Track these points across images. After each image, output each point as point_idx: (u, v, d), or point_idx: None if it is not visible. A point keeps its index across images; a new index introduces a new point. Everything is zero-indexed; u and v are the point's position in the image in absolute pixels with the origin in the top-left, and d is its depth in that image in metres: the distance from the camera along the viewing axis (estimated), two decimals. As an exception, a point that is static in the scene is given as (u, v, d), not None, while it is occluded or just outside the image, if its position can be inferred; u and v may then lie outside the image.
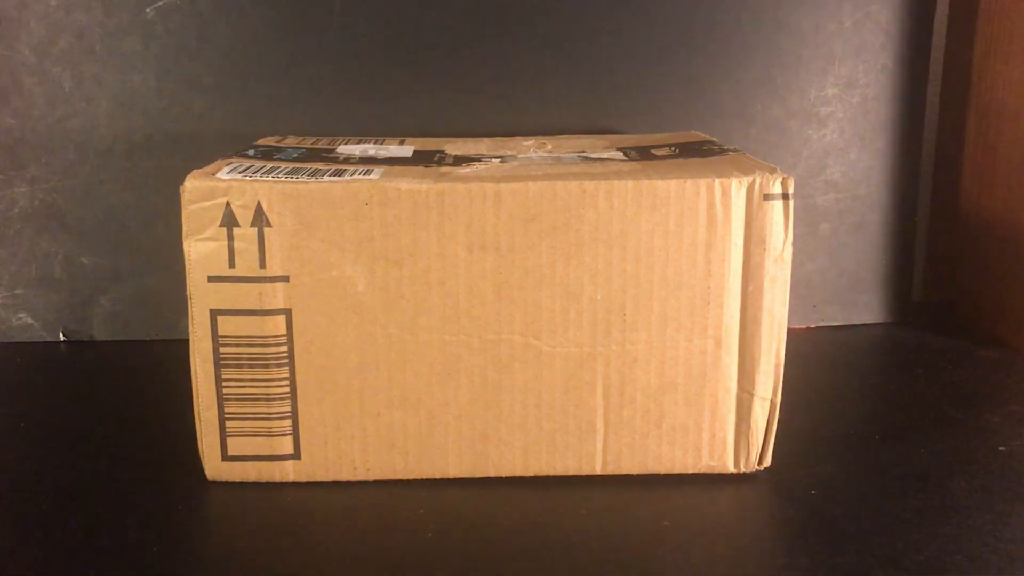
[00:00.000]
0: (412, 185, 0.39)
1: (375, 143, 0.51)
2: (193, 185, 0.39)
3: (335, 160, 0.45)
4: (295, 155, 0.46)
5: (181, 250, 0.40)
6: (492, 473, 0.42)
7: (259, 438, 0.42)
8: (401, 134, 0.57)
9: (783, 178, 0.40)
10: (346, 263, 0.40)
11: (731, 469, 0.43)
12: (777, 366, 0.42)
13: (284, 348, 0.41)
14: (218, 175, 0.40)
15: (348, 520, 0.39)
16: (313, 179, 0.40)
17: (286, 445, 0.42)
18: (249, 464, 0.42)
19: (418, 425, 0.42)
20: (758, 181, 0.40)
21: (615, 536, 0.38)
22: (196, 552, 0.37)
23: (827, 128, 0.63)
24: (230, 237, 0.39)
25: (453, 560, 0.36)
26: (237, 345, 0.40)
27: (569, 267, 0.40)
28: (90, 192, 0.60)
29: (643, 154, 0.47)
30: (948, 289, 0.69)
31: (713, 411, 0.42)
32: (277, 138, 0.52)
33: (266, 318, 0.40)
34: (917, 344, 0.61)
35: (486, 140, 0.53)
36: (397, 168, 0.43)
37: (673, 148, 0.48)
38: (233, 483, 0.42)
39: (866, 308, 0.65)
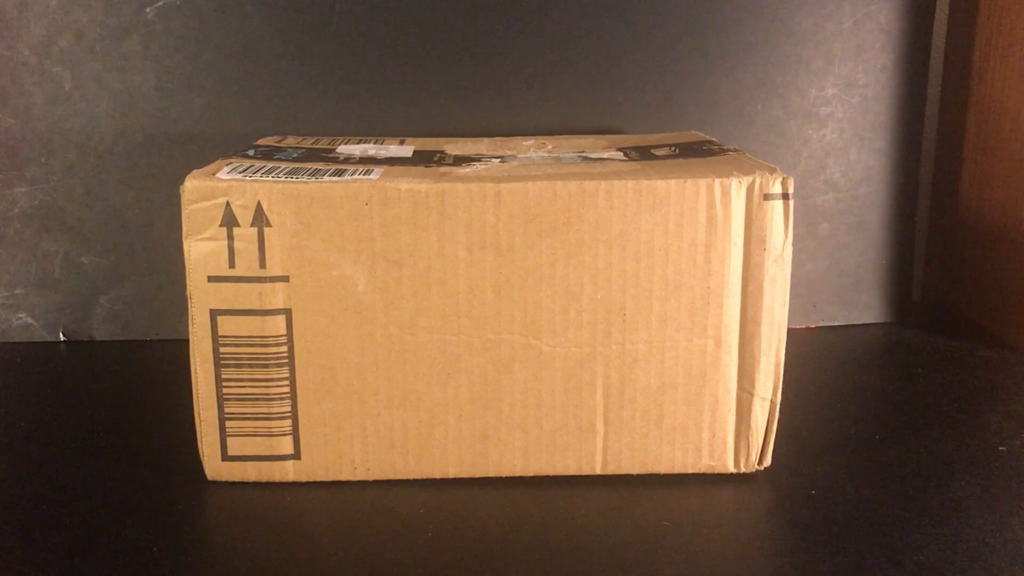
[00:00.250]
0: (412, 185, 0.39)
1: (375, 143, 0.51)
2: (193, 185, 0.39)
3: (335, 160, 0.45)
4: (295, 155, 0.46)
5: (181, 250, 0.40)
6: (492, 473, 0.42)
7: (259, 438, 0.42)
8: (401, 134, 0.57)
9: (783, 178, 0.40)
10: (346, 263, 0.40)
11: (731, 469, 0.43)
12: (777, 366, 0.42)
13: (284, 348, 0.41)
14: (218, 175, 0.40)
15: (348, 520, 0.39)
16: (313, 179, 0.40)
17: (286, 445, 0.42)
18: (249, 464, 0.42)
19: (418, 425, 0.42)
20: (758, 181, 0.40)
21: (615, 536, 0.38)
22: (196, 552, 0.37)
23: (827, 128, 0.63)
24: (230, 237, 0.39)
25: (453, 560, 0.36)
26: (237, 345, 0.40)
27: (569, 267, 0.40)
28: (90, 192, 0.60)
29: (643, 154, 0.47)
30: (948, 289, 0.69)
31: (713, 411, 0.42)
32: (277, 138, 0.52)
33: (266, 318, 0.40)
34: (917, 344, 0.61)
35: (486, 140, 0.53)
36: (397, 168, 0.43)
37: (673, 148, 0.48)
38: (233, 483, 0.42)
39: (866, 308, 0.65)
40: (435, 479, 0.42)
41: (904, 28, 0.62)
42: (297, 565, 0.36)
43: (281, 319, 0.40)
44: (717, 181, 0.40)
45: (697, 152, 0.47)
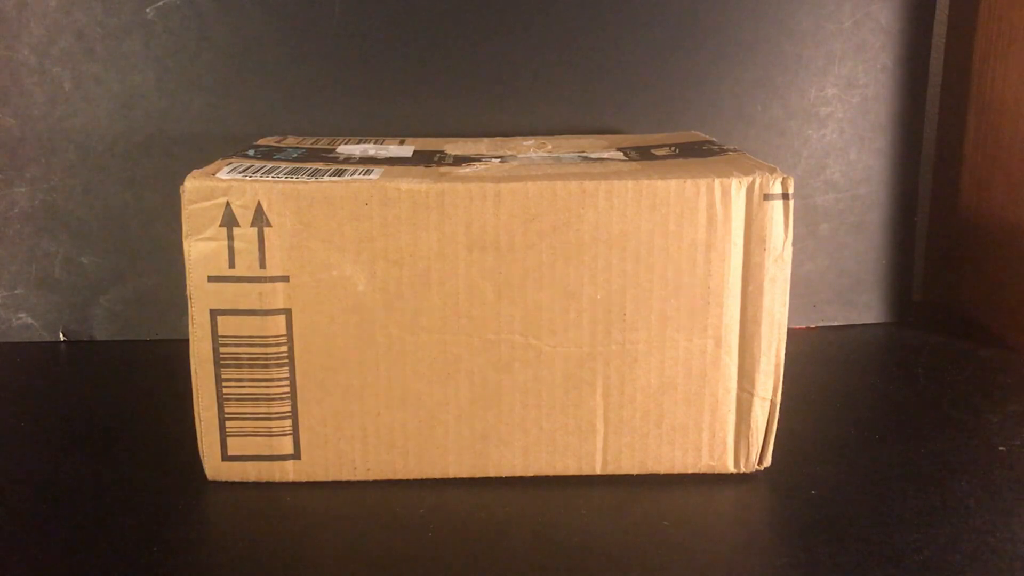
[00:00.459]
0: (412, 185, 0.39)
1: (375, 143, 0.51)
2: (193, 185, 0.39)
3: (335, 160, 0.45)
4: (295, 155, 0.46)
5: (181, 250, 0.40)
6: (492, 473, 0.42)
7: (259, 438, 0.42)
8: (401, 134, 0.57)
9: (783, 178, 0.40)
10: (346, 263, 0.40)
11: (731, 469, 0.43)
12: (777, 366, 0.42)
13: (284, 348, 0.41)
14: (218, 175, 0.40)
15: (348, 520, 0.39)
16: (313, 179, 0.40)
17: (286, 445, 0.42)
18: (249, 464, 0.42)
19: (418, 425, 0.42)
20: (758, 181, 0.40)
21: (615, 536, 0.38)
22: (195, 552, 0.37)
23: (827, 128, 0.63)
24: (230, 237, 0.39)
25: (453, 560, 0.36)
26: (237, 345, 0.40)
27: (569, 267, 0.40)
28: (90, 192, 0.60)
29: (643, 154, 0.47)
30: (948, 289, 0.69)
31: (713, 411, 0.42)
32: (277, 138, 0.52)
33: (266, 318, 0.40)
34: (917, 344, 0.61)
35: (486, 140, 0.53)
36: (397, 168, 0.43)
37: (673, 148, 0.48)
38: (233, 483, 0.42)
39: (866, 308, 0.65)
40: (435, 479, 0.42)
41: (904, 28, 0.62)
42: (297, 566, 0.36)
43: (281, 319, 0.40)
44: (717, 181, 0.40)
45: (697, 152, 0.47)
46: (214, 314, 0.40)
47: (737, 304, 0.41)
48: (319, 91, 0.60)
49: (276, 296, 0.40)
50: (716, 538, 0.38)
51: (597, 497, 0.41)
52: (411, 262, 0.40)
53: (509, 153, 0.47)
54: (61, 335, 0.61)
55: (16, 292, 0.60)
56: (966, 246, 0.66)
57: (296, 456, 0.42)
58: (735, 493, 0.42)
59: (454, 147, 0.50)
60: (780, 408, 0.42)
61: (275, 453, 0.42)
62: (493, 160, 0.45)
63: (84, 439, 0.47)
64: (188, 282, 0.40)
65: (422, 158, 0.46)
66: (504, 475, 0.43)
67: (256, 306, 0.40)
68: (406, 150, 0.49)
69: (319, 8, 0.59)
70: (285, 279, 0.40)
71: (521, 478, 0.43)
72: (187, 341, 0.41)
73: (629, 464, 0.43)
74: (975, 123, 0.65)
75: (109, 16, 0.58)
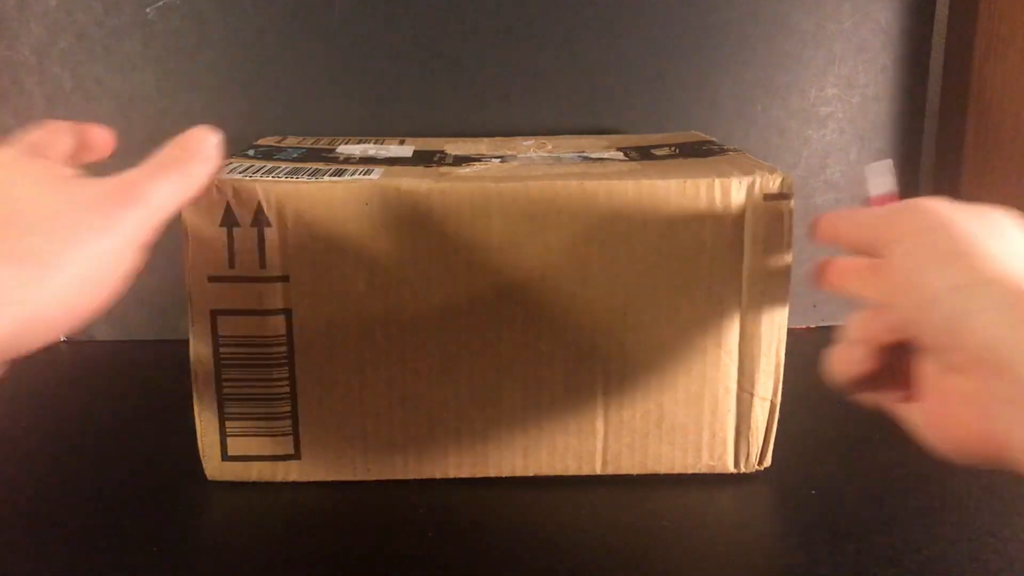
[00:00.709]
0: (412, 185, 0.39)
1: (375, 143, 0.51)
2: None
3: (335, 160, 0.45)
4: (295, 155, 0.46)
5: (181, 250, 0.40)
6: (492, 473, 0.42)
7: (259, 438, 0.42)
8: (402, 134, 0.57)
9: (783, 178, 0.40)
10: (346, 263, 0.40)
11: (731, 469, 0.43)
12: (777, 366, 0.42)
13: (284, 348, 0.41)
14: (218, 175, 0.40)
15: (348, 520, 0.40)
16: (313, 179, 0.40)
17: (286, 445, 0.42)
18: (249, 464, 0.42)
19: (418, 425, 0.42)
20: (758, 181, 0.40)
21: (615, 536, 0.38)
22: (195, 552, 0.37)
23: (827, 128, 0.63)
24: (230, 237, 0.39)
25: (453, 560, 0.36)
26: (237, 345, 0.40)
27: (570, 267, 0.40)
28: (90, 192, 0.59)
29: (643, 154, 0.46)
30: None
31: (713, 411, 0.42)
32: (277, 138, 0.52)
33: (266, 318, 0.40)
34: (917, 344, 0.61)
35: (486, 140, 0.53)
36: (397, 168, 0.43)
37: (673, 148, 0.48)
38: (234, 483, 0.42)
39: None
40: (436, 479, 0.42)
41: (904, 28, 0.62)
42: (297, 566, 0.36)
43: (281, 319, 0.40)
44: (718, 181, 0.40)
45: (697, 152, 0.47)
46: (214, 314, 0.40)
47: (737, 304, 0.41)
48: (319, 91, 0.60)
49: (276, 296, 0.40)
50: (716, 538, 0.38)
51: (597, 497, 0.41)
52: (412, 262, 0.40)
53: (509, 153, 0.47)
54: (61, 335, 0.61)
55: (16, 292, 0.60)
56: (966, 246, 0.66)
57: (296, 456, 0.42)
58: (735, 493, 0.42)
59: (454, 147, 0.50)
60: (780, 408, 0.42)
61: (275, 453, 0.42)
62: (493, 160, 0.45)
63: (84, 439, 0.47)
64: (188, 282, 0.40)
65: (422, 158, 0.46)
66: (505, 475, 0.42)
67: (256, 306, 0.40)
68: (406, 150, 0.48)
69: (319, 8, 0.59)
70: (285, 279, 0.40)
71: (522, 478, 0.42)
72: (187, 341, 0.41)
73: (629, 464, 0.42)
74: (975, 123, 0.65)
75: (109, 16, 0.58)
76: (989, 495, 0.41)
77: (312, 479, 0.42)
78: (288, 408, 0.41)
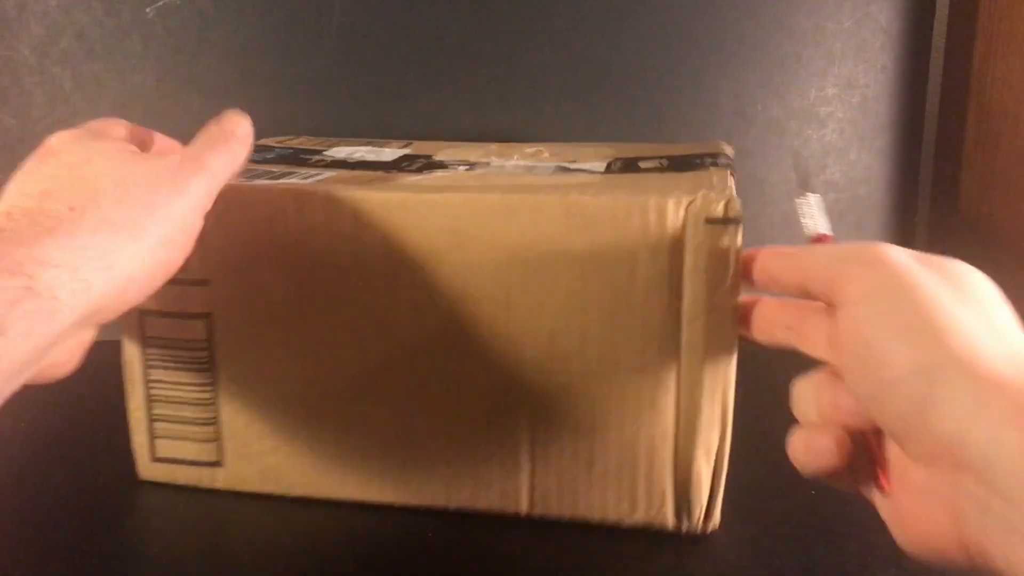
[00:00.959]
0: (330, 191, 0.37)
1: (374, 146, 0.49)
2: None
3: (307, 163, 0.43)
4: (271, 156, 0.44)
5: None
6: (415, 503, 0.39)
7: (186, 442, 0.40)
8: (403, 134, 0.57)
9: (727, 201, 0.34)
10: (264, 269, 0.38)
11: (670, 525, 0.38)
12: (724, 415, 0.36)
13: (205, 353, 0.39)
14: None
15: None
16: (247, 181, 0.38)
17: (210, 451, 0.40)
18: (177, 467, 0.41)
19: (337, 445, 0.39)
20: (699, 203, 0.34)
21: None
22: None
23: (827, 128, 0.63)
24: None
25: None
26: (163, 347, 0.39)
27: (491, 287, 0.36)
28: (90, 192, 0.59)
29: (627, 166, 0.43)
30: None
31: (649, 459, 0.37)
32: (281, 138, 0.52)
33: (188, 321, 0.39)
34: (917, 344, 0.61)
35: (485, 146, 0.50)
36: (353, 173, 0.41)
37: (663, 161, 0.43)
38: (165, 484, 0.41)
39: (866, 308, 0.65)
40: (366, 503, 0.40)
41: (904, 28, 0.62)
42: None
43: (201, 324, 0.39)
44: (652, 201, 0.35)
45: (684, 166, 0.42)
46: (142, 314, 0.39)
47: (675, 342, 0.36)
48: (319, 91, 0.60)
49: (196, 300, 0.38)
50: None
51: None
52: (328, 271, 0.37)
53: (490, 161, 0.44)
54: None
55: (16, 292, 0.60)
56: (966, 246, 0.66)
57: (220, 464, 0.40)
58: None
59: (446, 153, 0.47)
60: (730, 459, 0.37)
61: (200, 459, 0.40)
62: (460, 168, 0.43)
63: (82, 438, 0.47)
64: None
65: (399, 163, 0.44)
66: (427, 506, 0.39)
67: (178, 308, 0.39)
68: (395, 154, 0.47)
69: (319, 8, 0.59)
70: (205, 283, 0.38)
71: (449, 511, 0.39)
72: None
73: (558, 507, 0.38)
74: (975, 123, 0.65)
75: (109, 16, 0.58)
76: (989, 495, 0.41)
77: (238, 488, 0.40)
78: (212, 414, 0.40)
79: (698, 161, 0.43)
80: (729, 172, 0.40)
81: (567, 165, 0.43)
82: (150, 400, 0.40)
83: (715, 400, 0.36)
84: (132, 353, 0.40)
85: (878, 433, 0.28)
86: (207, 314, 0.39)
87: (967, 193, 0.66)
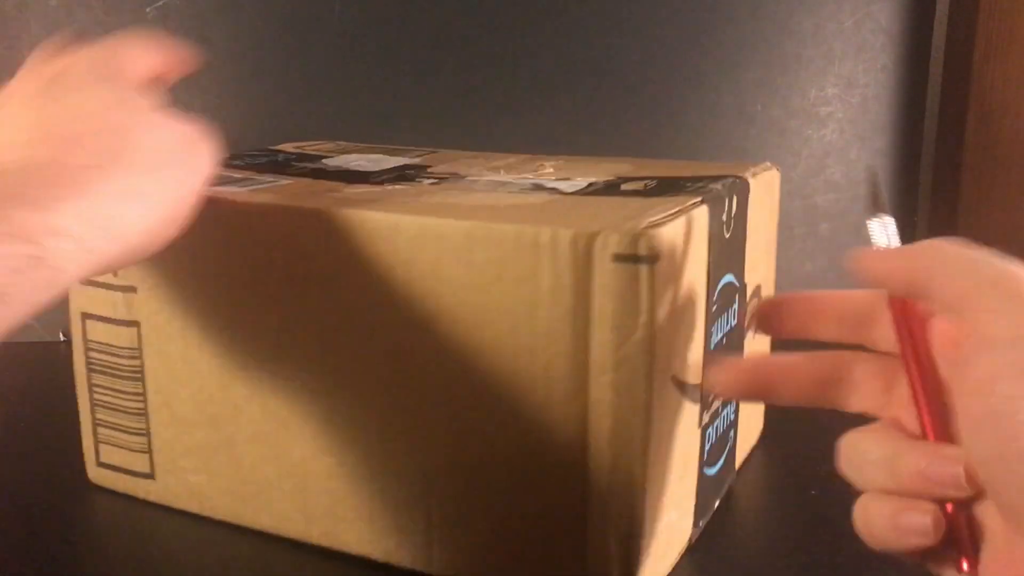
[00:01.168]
0: (243, 201, 0.35)
1: (389, 154, 0.46)
2: None
3: (291, 172, 0.41)
4: (258, 162, 0.43)
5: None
6: (341, 548, 0.36)
7: (122, 450, 0.40)
8: (404, 137, 0.57)
9: (635, 235, 0.29)
10: (187, 280, 0.36)
11: None
12: (638, 494, 0.31)
13: (137, 362, 0.38)
14: None
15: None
16: None
17: (143, 463, 0.39)
18: (117, 475, 0.40)
19: (254, 472, 0.37)
20: (605, 237, 0.29)
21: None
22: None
23: (827, 128, 0.63)
24: None
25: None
26: (101, 352, 0.39)
27: (393, 313, 0.33)
28: (90, 192, 0.59)
29: (609, 187, 0.37)
30: (948, 289, 0.69)
31: (550, 534, 0.33)
32: (300, 143, 0.49)
33: (120, 328, 0.38)
34: (917, 344, 0.61)
35: (507, 158, 0.45)
36: (312, 183, 0.39)
37: (651, 182, 0.37)
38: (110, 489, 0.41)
39: (866, 308, 0.65)
40: (293, 540, 0.37)
41: (904, 28, 0.62)
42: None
43: (133, 331, 0.38)
44: (550, 232, 0.30)
45: (669, 190, 0.36)
46: (84, 317, 0.39)
47: (582, 400, 0.31)
48: (319, 92, 0.60)
49: (125, 307, 0.38)
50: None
51: None
52: (232, 286, 0.36)
53: (467, 174, 0.41)
54: (61, 335, 0.61)
55: (16, 292, 0.60)
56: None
57: (151, 477, 0.39)
58: (736, 489, 0.42)
59: (442, 165, 0.43)
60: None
61: (134, 469, 0.40)
62: (427, 181, 0.39)
63: (73, 438, 0.47)
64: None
65: (381, 174, 0.41)
66: (354, 553, 0.36)
67: (111, 315, 0.38)
68: (394, 163, 0.44)
69: (319, 9, 0.59)
70: (133, 290, 0.37)
71: (373, 561, 0.36)
72: None
73: (460, 570, 0.34)
74: (975, 123, 0.65)
75: (109, 16, 0.58)
76: (989, 495, 0.41)
77: (168, 504, 0.39)
78: (143, 425, 0.39)
79: (688, 185, 0.36)
80: (701, 200, 0.34)
81: (543, 183, 0.38)
82: (93, 404, 0.40)
83: (631, 474, 0.30)
84: (78, 356, 0.40)
85: (967, 505, 0.24)
86: (136, 322, 0.38)
87: (967, 193, 0.66)
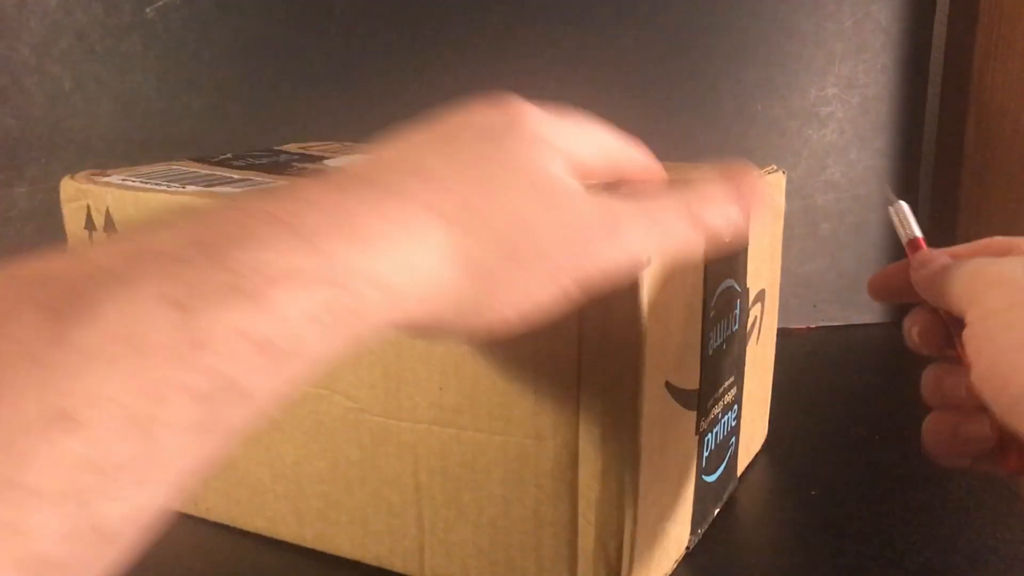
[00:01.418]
0: (192, 199, 0.35)
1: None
2: (64, 185, 0.38)
3: (291, 172, 0.41)
4: (259, 163, 0.43)
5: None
6: (333, 551, 0.37)
7: None
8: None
9: None
10: None
11: None
12: (628, 497, 0.30)
13: None
14: (98, 178, 0.38)
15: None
16: (169, 187, 0.37)
17: None
18: None
19: (248, 475, 0.37)
20: None
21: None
22: None
23: (827, 128, 0.63)
24: (91, 241, 0.38)
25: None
26: None
27: None
28: (90, 192, 0.60)
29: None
30: (948, 289, 0.69)
31: (538, 540, 0.33)
32: (304, 144, 0.50)
33: None
34: (917, 344, 0.61)
35: None
36: (274, 180, 0.39)
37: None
38: None
39: (866, 308, 0.65)
40: (286, 542, 0.38)
41: (904, 28, 0.62)
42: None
43: None
44: None
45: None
46: None
47: (575, 407, 0.31)
48: (319, 92, 0.60)
49: None
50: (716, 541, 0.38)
51: None
52: None
53: None
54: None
55: (16, 292, 0.60)
56: (966, 246, 0.66)
57: None
58: (737, 486, 0.42)
59: None
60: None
61: None
62: None
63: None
64: None
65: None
66: (347, 556, 0.37)
67: None
68: None
69: (319, 9, 0.59)
70: None
71: (365, 565, 0.37)
72: None
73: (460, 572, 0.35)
74: (975, 123, 0.65)
75: (109, 16, 0.58)
76: (989, 495, 0.41)
77: None
78: None
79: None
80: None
81: None
82: None
83: (620, 477, 0.30)
84: None
85: None
86: None
87: (967, 193, 0.66)
